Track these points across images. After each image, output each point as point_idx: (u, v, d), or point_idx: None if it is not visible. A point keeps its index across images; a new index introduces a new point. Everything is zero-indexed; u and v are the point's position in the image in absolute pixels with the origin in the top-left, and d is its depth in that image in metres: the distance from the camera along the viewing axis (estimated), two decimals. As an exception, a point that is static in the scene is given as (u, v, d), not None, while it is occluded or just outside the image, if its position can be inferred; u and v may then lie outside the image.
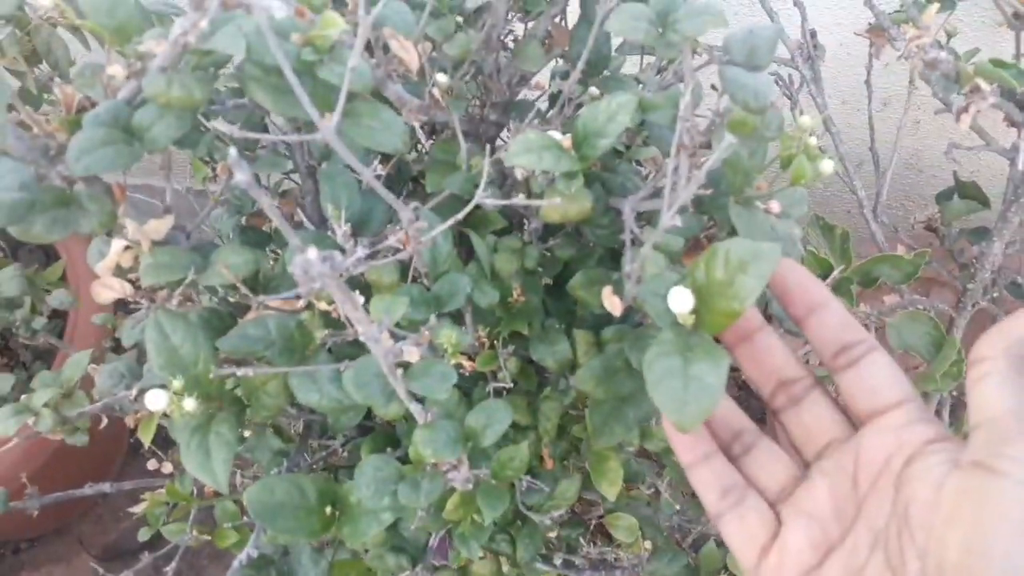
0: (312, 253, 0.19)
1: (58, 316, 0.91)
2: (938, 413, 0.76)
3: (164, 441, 1.09)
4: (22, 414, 0.42)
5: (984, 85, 0.41)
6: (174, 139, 0.29)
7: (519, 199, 0.31)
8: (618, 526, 0.48)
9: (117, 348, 0.74)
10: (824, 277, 0.57)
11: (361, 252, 0.24)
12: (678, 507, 0.55)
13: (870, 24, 0.62)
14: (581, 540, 0.53)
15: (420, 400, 0.28)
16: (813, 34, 0.73)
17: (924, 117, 0.84)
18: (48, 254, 0.98)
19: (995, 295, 0.69)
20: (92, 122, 0.28)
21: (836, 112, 0.86)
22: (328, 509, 0.34)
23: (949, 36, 0.69)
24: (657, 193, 0.35)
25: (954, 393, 0.82)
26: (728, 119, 0.32)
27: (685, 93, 0.27)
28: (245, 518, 0.65)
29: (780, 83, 0.76)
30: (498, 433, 0.30)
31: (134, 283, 0.37)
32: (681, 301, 0.27)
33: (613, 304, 0.31)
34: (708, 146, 0.34)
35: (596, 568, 0.53)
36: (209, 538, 0.66)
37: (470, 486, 0.30)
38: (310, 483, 0.34)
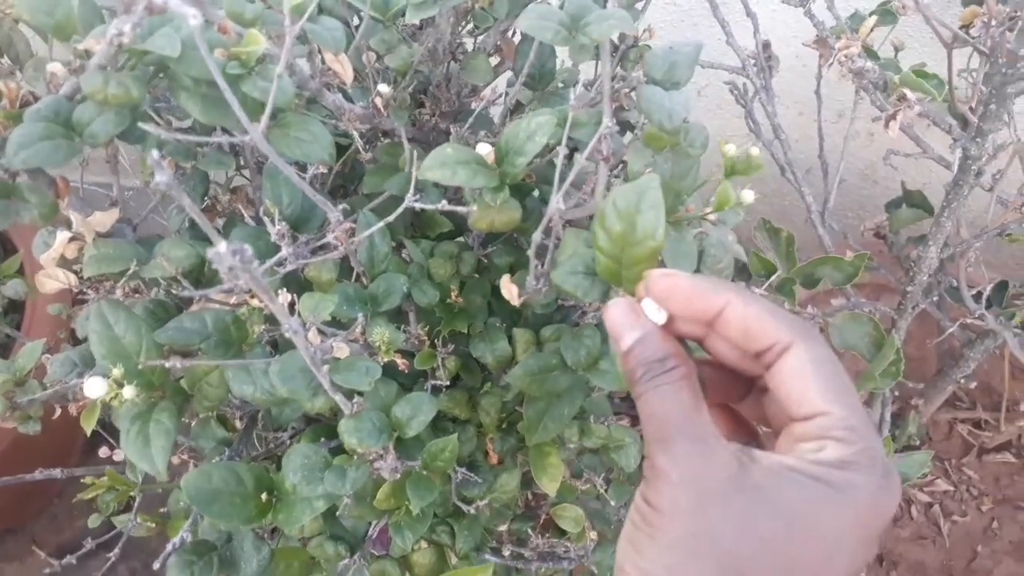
0: (222, 247, 0.20)
1: (16, 309, 0.91)
2: (881, 415, 0.79)
3: (117, 430, 1.08)
4: None
5: (910, 94, 0.42)
6: (112, 135, 0.29)
7: (444, 205, 0.32)
8: (564, 517, 0.49)
9: (74, 339, 0.74)
10: (768, 278, 0.59)
11: (288, 250, 0.25)
12: (624, 501, 0.57)
13: (817, 36, 0.64)
14: (530, 532, 0.54)
15: (347, 394, 0.29)
16: (767, 45, 0.75)
17: (877, 130, 0.87)
18: (5, 248, 0.97)
19: (936, 298, 0.72)
20: (32, 117, 0.29)
21: (792, 122, 0.88)
22: (264, 496, 0.35)
23: (896, 50, 0.71)
24: (585, 202, 0.36)
25: (895, 393, 0.84)
26: (643, 135, 0.33)
27: (604, 105, 0.28)
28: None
29: (735, 92, 0.78)
30: (423, 423, 0.31)
31: (79, 274, 0.38)
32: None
33: (511, 293, 0.32)
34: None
35: (544, 559, 0.54)
36: (154, 526, 0.66)
37: (397, 475, 0.31)
38: (247, 471, 0.35)
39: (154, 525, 0.66)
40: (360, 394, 0.29)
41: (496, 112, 0.45)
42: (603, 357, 0.38)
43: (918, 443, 0.90)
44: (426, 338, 0.39)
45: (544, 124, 0.29)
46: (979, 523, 0.88)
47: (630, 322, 0.27)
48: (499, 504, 0.45)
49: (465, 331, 0.40)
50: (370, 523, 0.41)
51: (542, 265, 0.33)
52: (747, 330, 0.26)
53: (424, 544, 0.44)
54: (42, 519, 1.11)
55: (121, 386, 0.33)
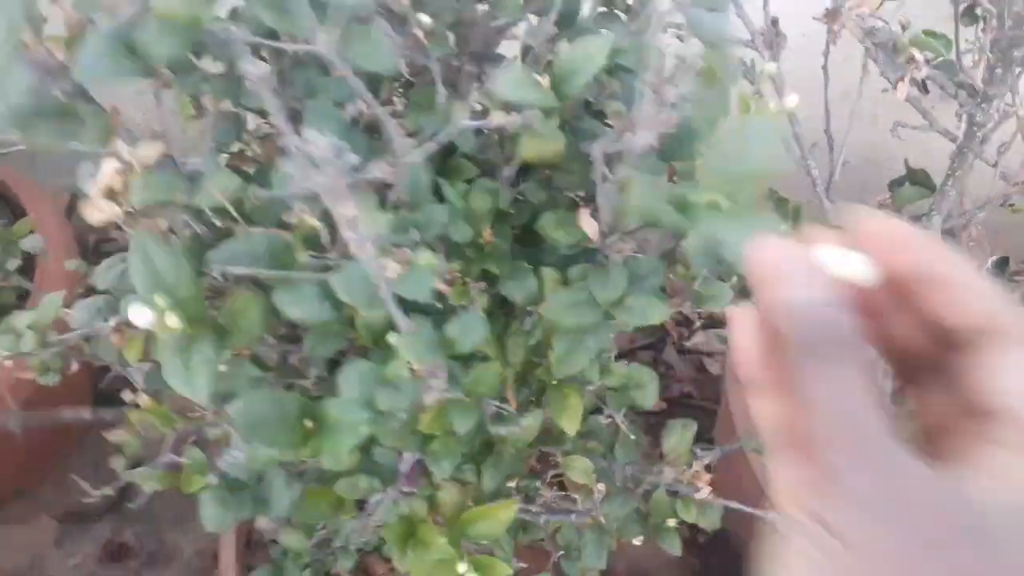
0: (319, 137, 0.21)
1: (25, 272, 0.92)
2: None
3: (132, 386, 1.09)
4: (6, 334, 0.43)
5: (918, 55, 0.44)
6: (173, 56, 0.30)
7: (499, 118, 0.33)
8: (574, 468, 0.51)
9: (88, 295, 0.75)
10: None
11: (355, 158, 0.26)
12: (629, 459, 0.58)
13: (826, 9, 0.65)
14: (539, 486, 0.55)
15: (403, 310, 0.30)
16: (775, 22, 0.77)
17: (881, 112, 0.88)
18: (15, 213, 0.98)
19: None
20: (97, 35, 0.30)
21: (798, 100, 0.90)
22: (308, 423, 0.36)
23: (903, 28, 0.73)
24: (623, 137, 0.37)
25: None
26: (695, 67, 0.34)
27: (652, 26, 0.29)
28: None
29: (744, 66, 0.80)
30: (474, 342, 0.33)
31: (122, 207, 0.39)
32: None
33: (591, 226, 0.33)
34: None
35: (553, 513, 0.56)
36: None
37: (446, 395, 0.32)
38: (291, 400, 0.36)
39: (170, 477, 0.67)
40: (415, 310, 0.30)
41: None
42: (629, 295, 0.40)
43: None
44: (459, 274, 0.40)
45: (602, 46, 0.30)
46: None
47: (801, 275, 0.20)
48: (519, 446, 0.46)
49: (495, 271, 0.41)
50: (400, 459, 0.43)
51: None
52: (964, 300, 0.21)
53: (449, 483, 0.45)
54: (49, 485, 1.12)
55: (165, 314, 0.34)
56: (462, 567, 0.41)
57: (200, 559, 1.10)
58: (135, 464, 0.68)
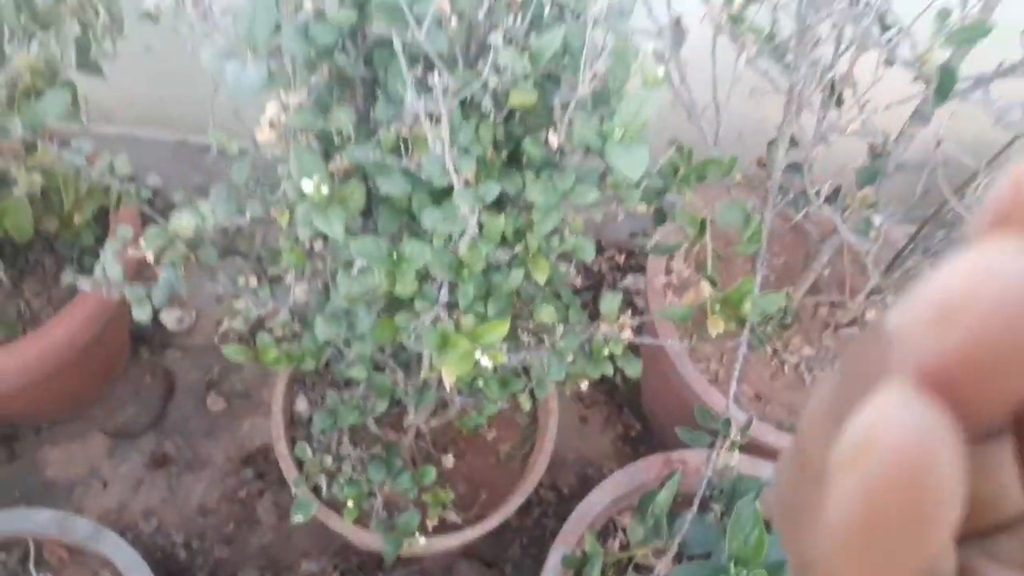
0: (439, 82, 0.47)
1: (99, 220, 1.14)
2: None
3: (161, 343, 1.33)
4: (194, 212, 0.68)
5: (750, 38, 0.72)
6: (330, 41, 0.56)
7: (495, 80, 0.60)
8: (544, 311, 0.78)
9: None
10: (674, 173, 0.89)
11: (446, 82, 0.53)
12: (578, 319, 0.86)
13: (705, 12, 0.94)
14: (519, 328, 0.83)
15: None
16: (678, 20, 1.05)
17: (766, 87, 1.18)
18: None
19: (791, 198, 1.03)
20: (291, 26, 0.56)
21: (696, 77, 1.19)
22: (393, 255, 0.63)
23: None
24: (571, 93, 0.65)
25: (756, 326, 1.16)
26: (610, 49, 0.62)
27: (587, 32, 0.57)
28: (283, 345, 0.91)
29: (656, 54, 1.08)
30: (492, 195, 0.60)
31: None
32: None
33: (552, 141, 0.61)
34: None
35: (529, 349, 0.83)
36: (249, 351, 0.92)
37: (475, 235, 0.59)
38: (383, 242, 0.63)
39: (252, 352, 0.92)
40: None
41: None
42: (577, 186, 0.67)
43: (789, 320, 1.22)
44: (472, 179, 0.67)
45: (557, 36, 0.58)
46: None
47: None
48: (509, 290, 0.73)
49: (496, 174, 0.68)
50: (439, 289, 0.69)
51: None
52: None
53: (467, 314, 0.72)
54: (98, 406, 1.34)
55: (319, 188, 0.60)
56: (477, 355, 0.68)
57: (229, 464, 1.34)
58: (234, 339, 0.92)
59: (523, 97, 0.64)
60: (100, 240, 1.13)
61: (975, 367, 0.11)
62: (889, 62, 0.86)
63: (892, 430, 0.11)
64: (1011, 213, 0.13)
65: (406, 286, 0.66)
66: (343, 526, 0.95)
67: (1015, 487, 0.15)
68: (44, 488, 1.27)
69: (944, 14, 0.63)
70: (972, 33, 0.59)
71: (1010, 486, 0.15)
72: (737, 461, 0.92)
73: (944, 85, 0.61)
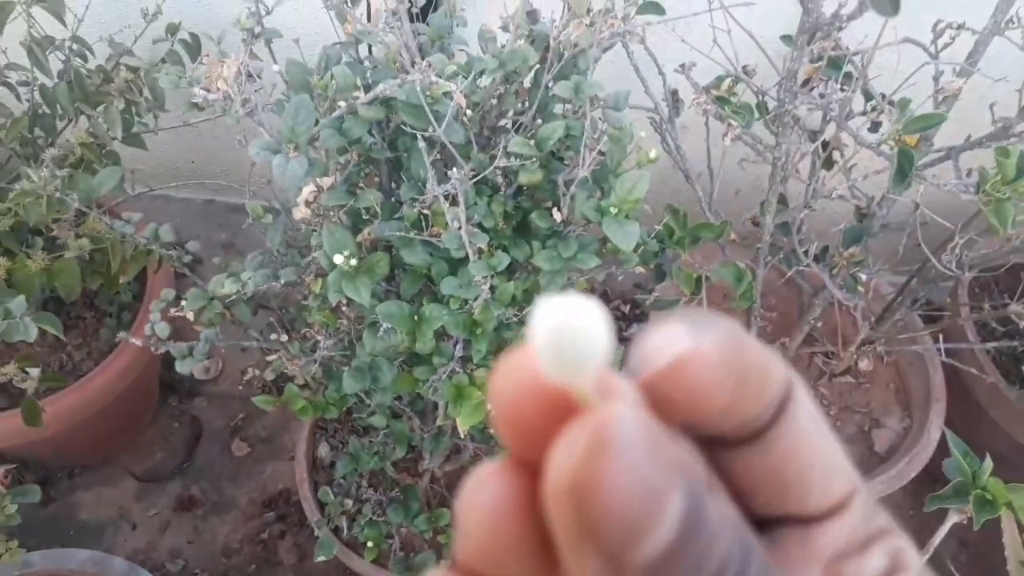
0: (457, 171, 0.55)
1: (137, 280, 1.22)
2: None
3: (189, 391, 1.41)
4: (234, 279, 0.76)
5: (733, 122, 0.80)
6: (359, 135, 0.65)
7: (505, 161, 0.68)
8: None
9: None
10: (670, 236, 0.97)
11: (462, 173, 0.61)
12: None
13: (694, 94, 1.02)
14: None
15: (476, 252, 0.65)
16: (675, 93, 1.14)
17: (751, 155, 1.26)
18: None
19: (782, 256, 1.10)
20: (330, 120, 0.64)
21: (692, 145, 1.27)
22: (415, 317, 0.70)
23: (756, 95, 1.10)
24: (572, 172, 0.73)
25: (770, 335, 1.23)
26: (608, 134, 0.70)
27: (586, 122, 0.65)
28: (307, 394, 0.99)
29: (653, 123, 1.16)
30: (503, 264, 0.67)
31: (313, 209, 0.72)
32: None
33: (557, 219, 0.68)
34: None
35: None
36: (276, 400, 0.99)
37: (488, 298, 0.66)
38: (406, 305, 0.71)
39: (280, 401, 0.99)
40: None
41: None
42: (578, 254, 0.75)
43: (786, 369, 1.29)
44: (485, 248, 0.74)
45: (560, 124, 0.66)
46: (828, 423, 1.27)
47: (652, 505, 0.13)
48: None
49: (507, 243, 0.76)
50: (455, 346, 0.77)
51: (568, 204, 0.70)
52: (767, 373, 0.16)
53: (480, 369, 0.79)
54: (129, 452, 1.41)
55: (349, 260, 0.68)
56: (489, 405, 0.75)
57: (252, 506, 1.40)
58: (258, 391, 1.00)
59: (531, 176, 0.72)
60: (137, 297, 1.22)
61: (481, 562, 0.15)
62: (873, 129, 0.94)
63: None
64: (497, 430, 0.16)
65: (425, 344, 0.73)
66: (363, 566, 1.01)
67: None
68: (77, 529, 1.34)
69: (904, 102, 0.71)
70: (928, 122, 0.67)
71: None
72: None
73: (903, 168, 0.68)
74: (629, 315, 1.74)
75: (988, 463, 0.58)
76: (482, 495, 0.15)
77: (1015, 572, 0.53)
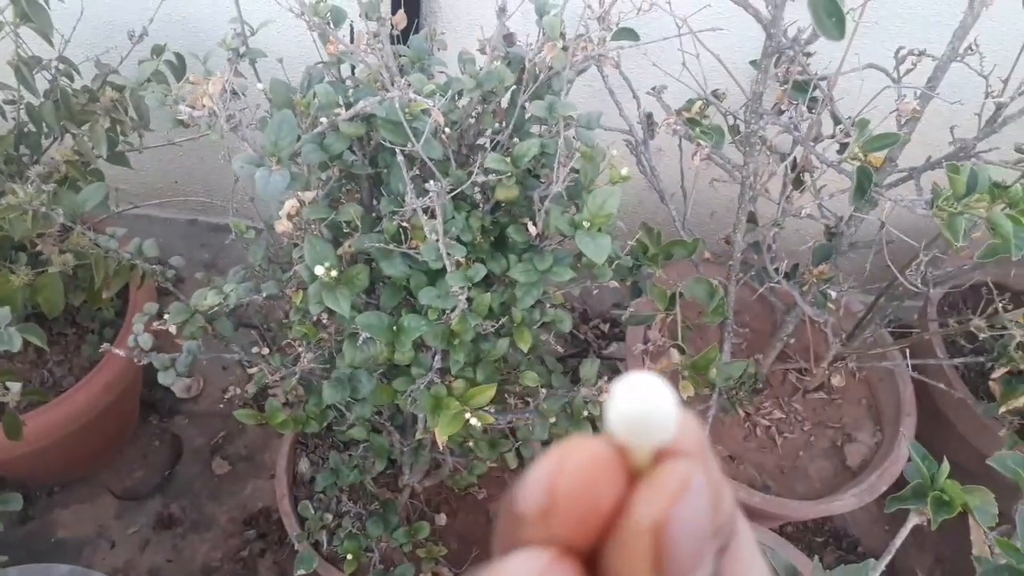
0: (435, 184, 0.58)
1: (120, 296, 1.23)
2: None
3: (170, 410, 1.42)
4: (216, 292, 0.78)
5: (702, 142, 0.83)
6: (341, 150, 0.67)
7: (482, 177, 0.71)
8: (528, 376, 0.87)
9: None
10: (644, 253, 0.99)
11: (440, 186, 0.63)
12: (561, 384, 0.95)
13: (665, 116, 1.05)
14: (507, 398, 0.92)
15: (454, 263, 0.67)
16: (649, 116, 1.17)
17: (718, 176, 1.30)
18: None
19: (753, 273, 1.13)
20: (310, 136, 0.66)
21: (668, 166, 1.30)
22: (393, 327, 0.72)
23: (724, 117, 1.14)
24: (548, 188, 0.75)
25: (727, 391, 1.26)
26: (581, 152, 0.73)
27: (560, 140, 0.68)
28: (288, 409, 1.00)
29: (628, 145, 1.20)
30: (479, 276, 0.69)
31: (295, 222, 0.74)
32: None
33: (532, 230, 0.71)
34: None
35: (516, 411, 0.92)
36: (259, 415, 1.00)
37: (465, 309, 0.68)
38: (385, 316, 0.72)
39: (261, 415, 1.00)
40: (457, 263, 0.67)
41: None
42: (554, 267, 0.77)
43: (761, 386, 1.31)
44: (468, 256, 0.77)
45: (535, 142, 0.68)
46: (802, 438, 1.29)
47: None
48: (496, 357, 0.83)
49: (484, 256, 0.78)
50: (433, 357, 0.79)
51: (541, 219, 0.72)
52: (721, 490, 0.18)
53: (457, 380, 0.81)
54: (108, 471, 1.41)
55: (329, 271, 0.70)
56: (467, 416, 0.77)
57: (232, 524, 1.40)
58: (241, 405, 1.01)
59: (507, 192, 0.75)
60: (120, 315, 1.22)
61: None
62: (841, 151, 0.98)
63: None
64: (544, 515, 0.16)
65: (404, 354, 0.75)
66: (342, 580, 1.01)
67: None
68: (55, 547, 1.33)
69: (863, 123, 0.74)
70: (886, 141, 0.70)
71: None
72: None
73: (862, 184, 0.71)
74: (608, 333, 1.76)
75: (945, 466, 0.61)
76: None
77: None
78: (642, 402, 0.16)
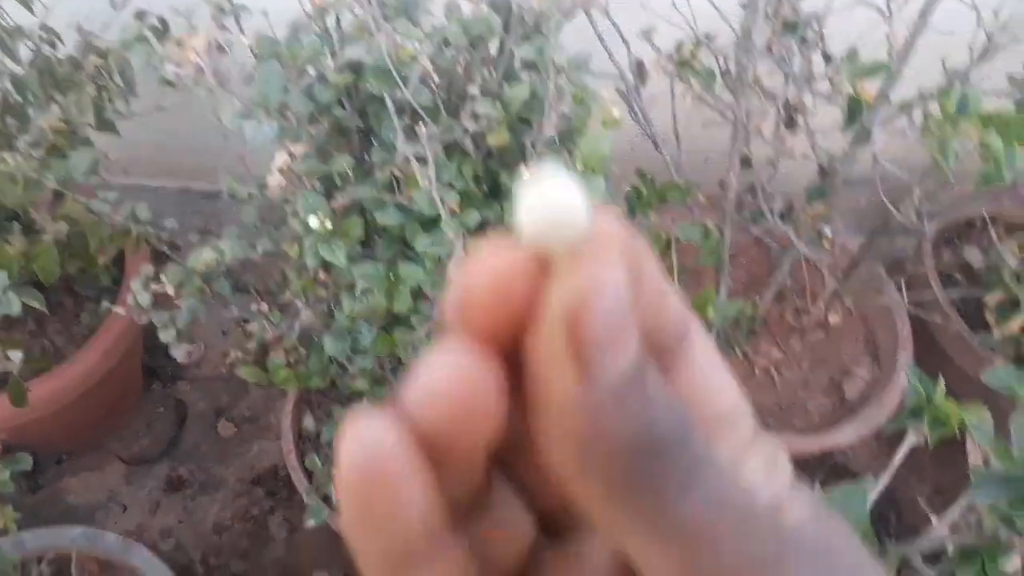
0: (424, 129, 0.57)
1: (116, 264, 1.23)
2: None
3: (172, 376, 1.42)
4: (213, 249, 0.78)
5: (693, 81, 0.83)
6: (331, 99, 0.67)
7: (474, 124, 0.70)
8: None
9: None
10: (639, 198, 0.99)
11: (431, 130, 0.63)
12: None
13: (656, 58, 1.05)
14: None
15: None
16: (640, 63, 1.16)
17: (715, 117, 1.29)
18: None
19: (748, 215, 1.13)
20: (297, 89, 0.66)
21: (658, 113, 1.30)
22: (391, 276, 0.72)
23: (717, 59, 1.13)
24: (540, 132, 0.75)
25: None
26: (572, 94, 0.73)
27: (550, 84, 0.67)
28: (291, 358, 1.00)
29: (620, 92, 1.19)
30: (476, 222, 0.69)
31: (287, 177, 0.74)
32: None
33: (525, 176, 0.71)
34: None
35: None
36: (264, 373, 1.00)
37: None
38: (382, 265, 0.73)
39: (264, 373, 1.01)
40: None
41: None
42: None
43: (758, 327, 1.32)
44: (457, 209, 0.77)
45: (526, 87, 0.68)
46: (800, 376, 1.30)
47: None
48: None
49: (478, 204, 0.78)
50: (432, 305, 0.79)
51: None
52: (663, 294, 0.17)
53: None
54: (114, 437, 1.42)
55: (324, 222, 0.70)
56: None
57: (240, 484, 1.42)
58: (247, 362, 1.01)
59: (498, 139, 0.75)
60: (117, 282, 1.23)
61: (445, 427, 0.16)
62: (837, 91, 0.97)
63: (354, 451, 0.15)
64: (458, 322, 0.16)
65: (403, 303, 0.76)
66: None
67: (520, 520, 0.20)
68: (66, 514, 1.35)
69: (852, 55, 0.74)
70: (871, 70, 0.70)
71: (516, 519, 0.19)
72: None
73: (852, 113, 0.71)
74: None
75: (941, 385, 0.62)
76: (448, 368, 0.16)
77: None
78: (549, 201, 0.16)
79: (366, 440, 0.15)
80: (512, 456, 0.18)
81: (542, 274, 0.16)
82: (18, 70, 1.09)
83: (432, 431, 0.16)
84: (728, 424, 0.19)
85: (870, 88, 0.94)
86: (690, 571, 0.16)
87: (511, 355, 0.16)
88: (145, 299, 0.80)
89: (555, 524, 0.20)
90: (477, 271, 0.16)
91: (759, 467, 0.18)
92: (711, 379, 0.19)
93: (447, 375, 0.16)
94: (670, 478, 0.15)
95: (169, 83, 0.81)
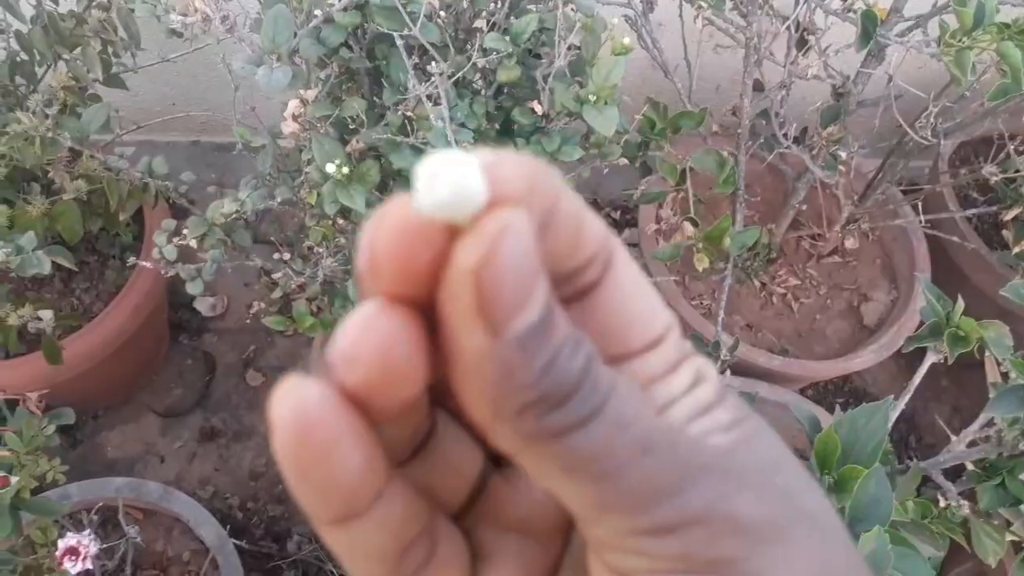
0: (437, 66, 0.57)
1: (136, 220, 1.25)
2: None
3: (198, 329, 1.45)
4: (232, 199, 0.79)
5: (703, 3, 0.82)
6: (337, 42, 0.66)
7: (483, 59, 0.70)
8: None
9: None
10: (651, 128, 0.99)
11: (442, 66, 0.63)
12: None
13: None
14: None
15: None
16: (648, -11, 1.14)
17: (723, 43, 1.27)
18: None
19: (762, 140, 1.13)
20: (308, 31, 0.66)
21: (668, 40, 1.28)
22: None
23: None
24: (550, 65, 0.75)
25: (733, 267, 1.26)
26: (581, 23, 0.72)
27: (558, 12, 0.67)
28: (315, 306, 1.02)
29: (628, 20, 1.17)
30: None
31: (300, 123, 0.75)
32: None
33: (538, 110, 0.70)
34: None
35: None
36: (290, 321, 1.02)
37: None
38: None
39: (290, 321, 1.03)
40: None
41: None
42: (562, 147, 0.77)
43: (775, 254, 1.32)
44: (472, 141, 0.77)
45: (533, 18, 0.67)
46: (818, 302, 1.31)
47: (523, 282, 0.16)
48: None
49: (490, 142, 0.78)
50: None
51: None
52: (580, 228, 0.17)
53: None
54: (147, 391, 1.46)
55: (341, 168, 0.70)
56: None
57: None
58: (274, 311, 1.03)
59: (509, 73, 0.74)
60: (138, 238, 1.24)
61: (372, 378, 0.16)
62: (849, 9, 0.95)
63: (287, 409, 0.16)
64: (370, 282, 0.16)
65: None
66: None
67: (468, 464, 0.21)
68: (107, 467, 1.39)
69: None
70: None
71: (463, 451, 0.21)
72: (729, 380, 1.03)
73: (867, 30, 0.70)
74: (620, 221, 1.77)
75: (960, 304, 0.62)
76: (373, 331, 0.16)
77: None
78: (444, 181, 0.16)
79: (296, 406, 0.16)
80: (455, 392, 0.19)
81: (446, 232, 0.16)
82: (23, 27, 1.09)
83: (358, 390, 0.16)
84: (649, 347, 0.19)
85: (883, 1, 0.92)
86: (599, 502, 0.17)
87: (432, 305, 0.17)
88: (171, 252, 0.81)
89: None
90: (382, 232, 0.16)
91: (681, 386, 0.18)
92: (633, 303, 0.19)
93: (364, 337, 0.16)
94: (572, 418, 0.16)
95: (176, 33, 0.81)
